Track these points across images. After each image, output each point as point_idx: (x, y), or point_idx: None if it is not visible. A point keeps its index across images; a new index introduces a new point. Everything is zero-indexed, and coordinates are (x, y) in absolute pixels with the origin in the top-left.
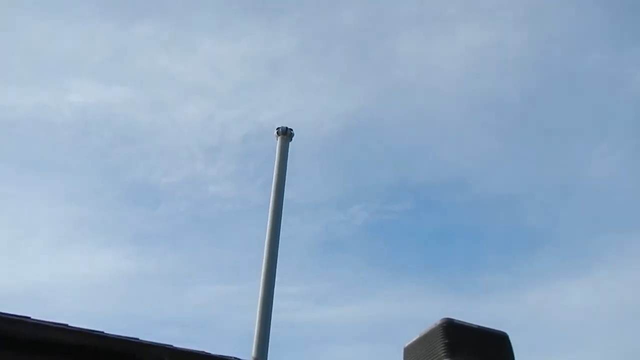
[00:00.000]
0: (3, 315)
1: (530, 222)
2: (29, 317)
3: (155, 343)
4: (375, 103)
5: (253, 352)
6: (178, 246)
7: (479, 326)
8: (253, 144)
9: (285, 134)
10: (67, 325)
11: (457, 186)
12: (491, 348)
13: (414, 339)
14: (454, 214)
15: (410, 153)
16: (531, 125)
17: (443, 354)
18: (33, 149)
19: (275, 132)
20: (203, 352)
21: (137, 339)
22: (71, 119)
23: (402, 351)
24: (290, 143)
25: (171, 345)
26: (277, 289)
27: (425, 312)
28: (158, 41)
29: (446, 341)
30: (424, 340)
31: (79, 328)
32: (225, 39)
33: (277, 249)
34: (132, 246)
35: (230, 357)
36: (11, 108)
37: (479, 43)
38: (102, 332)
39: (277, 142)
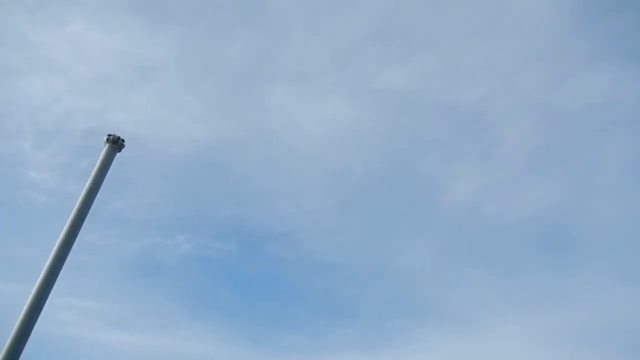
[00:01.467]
0: None
1: (341, 293)
2: None
3: None
4: (235, 140)
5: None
6: None
7: None
8: (94, 141)
9: (116, 143)
10: None
11: (287, 241)
12: None
13: None
14: (277, 267)
15: (252, 198)
16: (367, 204)
17: None
18: None
19: (105, 138)
20: None
21: None
22: None
23: None
24: (118, 154)
25: None
26: (67, 300)
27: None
28: None
29: None
30: None
31: None
32: (101, 26)
33: (66, 257)
34: None
35: None
36: None
37: (345, 117)
38: None
39: (104, 149)
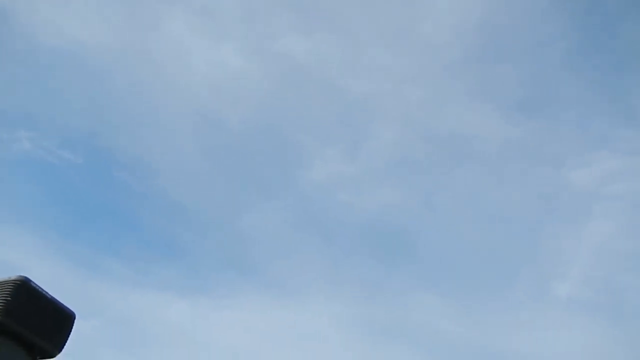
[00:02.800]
0: None
1: (181, 235)
2: None
3: None
4: (116, 50)
5: None
6: None
7: (52, 298)
8: None
9: None
10: None
11: (140, 171)
12: (50, 321)
13: None
14: (122, 194)
15: (116, 115)
16: (231, 157)
17: None
18: None
19: None
20: None
21: None
22: None
23: None
24: None
25: None
26: None
27: (36, 272)
28: None
29: (9, 298)
30: None
31: None
32: None
33: None
34: None
35: None
36: None
37: (236, 68)
38: None
39: None
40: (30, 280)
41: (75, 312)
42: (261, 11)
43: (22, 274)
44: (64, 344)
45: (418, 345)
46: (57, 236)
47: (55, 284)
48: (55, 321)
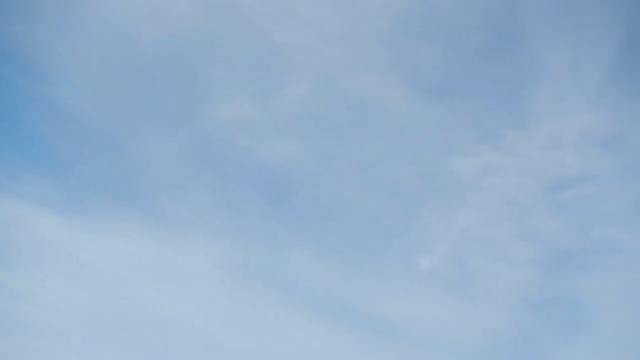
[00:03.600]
0: None
1: (73, 149)
2: None
3: None
4: None
5: None
6: None
7: None
8: None
9: None
10: None
11: (35, 73)
12: None
13: None
14: (9, 91)
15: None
16: (142, 77)
17: None
18: None
19: None
20: None
21: None
22: None
23: None
24: None
25: None
26: None
27: None
28: None
29: None
30: None
31: None
32: None
33: None
34: None
35: None
36: None
37: None
38: None
39: None
40: None
41: None
42: None
43: None
44: None
45: (290, 300)
46: None
47: None
48: None
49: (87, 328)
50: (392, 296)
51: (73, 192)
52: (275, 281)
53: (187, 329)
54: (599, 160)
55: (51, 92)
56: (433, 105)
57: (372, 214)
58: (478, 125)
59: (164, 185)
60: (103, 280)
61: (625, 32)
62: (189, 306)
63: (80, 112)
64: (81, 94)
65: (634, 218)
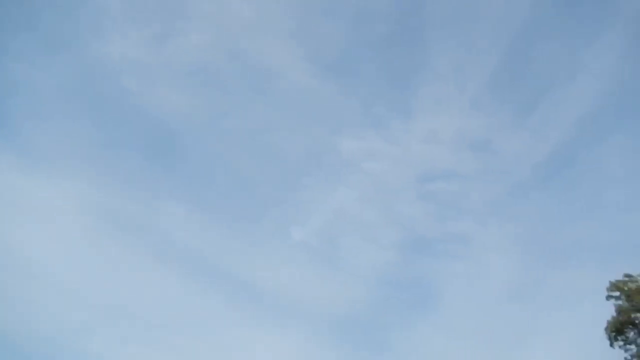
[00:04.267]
0: None
1: None
2: None
3: None
4: None
5: None
6: None
7: None
8: None
9: None
10: None
11: None
12: None
13: None
14: None
15: None
16: None
17: None
18: None
19: None
20: None
21: None
22: None
23: None
24: None
25: None
26: None
27: None
28: None
29: None
30: None
31: None
32: None
33: None
34: None
35: None
36: None
37: None
38: None
39: None
40: None
41: None
42: None
43: None
44: None
45: (159, 254)
46: None
47: None
48: None
49: None
50: (263, 262)
51: None
52: (146, 233)
53: (40, 268)
54: (465, 160)
55: None
56: (329, 82)
57: (254, 180)
58: (367, 110)
59: (35, 114)
60: None
61: (508, 46)
62: (45, 246)
63: None
64: None
65: (485, 215)
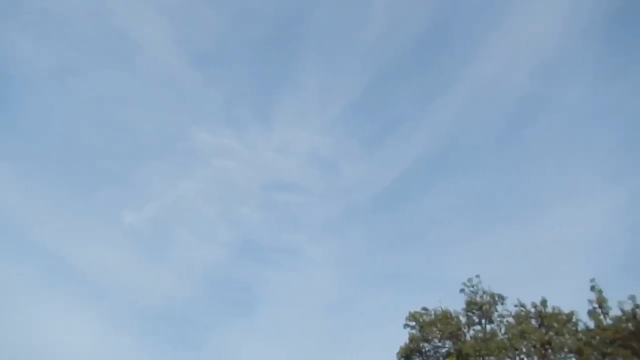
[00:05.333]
0: None
1: None
2: None
3: None
4: None
5: None
6: None
7: None
8: None
9: None
10: None
11: None
12: None
13: None
14: None
15: None
16: None
17: None
18: None
19: None
20: None
21: None
22: None
23: None
24: None
25: None
26: None
27: None
28: None
29: None
30: None
31: None
32: None
33: None
34: None
35: None
36: None
37: None
38: None
39: None
40: None
41: None
42: None
43: None
44: None
45: None
46: None
47: None
48: None
49: None
50: (86, 240)
51: None
52: None
53: None
54: (313, 177)
55: None
56: (197, 72)
57: (95, 150)
58: (230, 108)
59: None
60: None
61: (374, 77)
62: None
63: None
64: None
65: (320, 232)
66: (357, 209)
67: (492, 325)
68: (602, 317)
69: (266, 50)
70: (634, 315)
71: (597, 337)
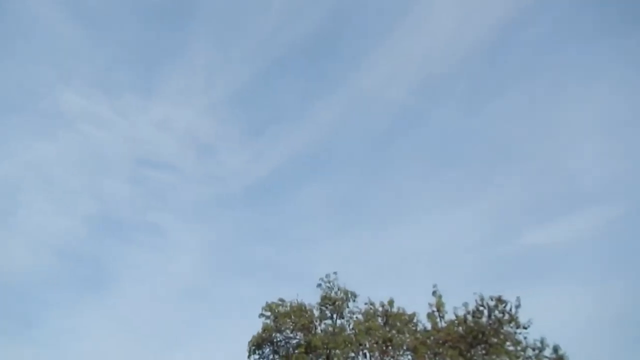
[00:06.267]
0: None
1: None
2: None
3: None
4: None
5: None
6: None
7: None
8: None
9: None
10: None
11: None
12: None
13: None
14: None
15: None
16: None
17: None
18: None
19: None
20: None
21: None
22: None
23: None
24: None
25: None
26: None
27: None
28: None
29: None
30: None
31: None
32: None
33: None
34: None
35: None
36: None
37: None
38: None
39: None
40: None
41: None
42: None
43: None
44: None
45: None
46: None
47: None
48: None
49: None
50: None
51: None
52: None
53: None
54: (189, 158)
55: None
56: (87, 28)
57: None
58: (108, 72)
59: None
60: None
61: (260, 68)
62: None
63: None
64: None
65: (189, 215)
66: (231, 197)
67: (342, 321)
68: (438, 320)
69: (157, 19)
70: (465, 320)
71: (432, 338)
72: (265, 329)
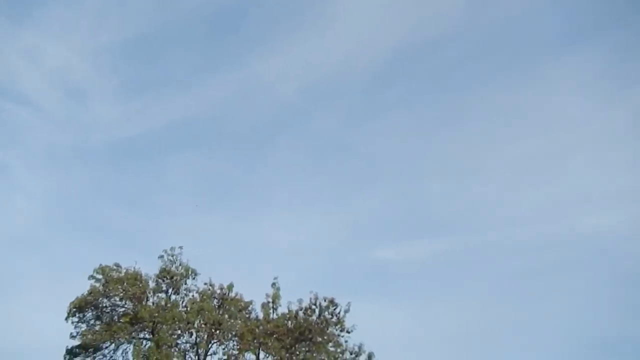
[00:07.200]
0: None
1: None
2: None
3: None
4: None
5: None
6: None
7: None
8: None
9: None
10: None
11: None
12: None
13: None
14: None
15: None
16: None
17: None
18: None
19: None
20: None
21: None
22: None
23: None
24: None
25: None
26: None
27: None
28: None
29: None
30: None
31: None
32: None
33: None
34: None
35: None
36: None
37: None
38: None
39: None
40: None
41: None
42: None
43: None
44: None
45: None
46: None
47: None
48: None
49: None
50: None
51: None
52: None
53: None
54: (55, 97)
55: None
56: None
57: None
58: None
59: None
60: None
61: (162, 23)
62: None
63: None
64: None
65: (37, 157)
66: (92, 150)
67: (177, 297)
68: (271, 311)
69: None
70: (296, 315)
71: (261, 327)
72: (92, 292)
